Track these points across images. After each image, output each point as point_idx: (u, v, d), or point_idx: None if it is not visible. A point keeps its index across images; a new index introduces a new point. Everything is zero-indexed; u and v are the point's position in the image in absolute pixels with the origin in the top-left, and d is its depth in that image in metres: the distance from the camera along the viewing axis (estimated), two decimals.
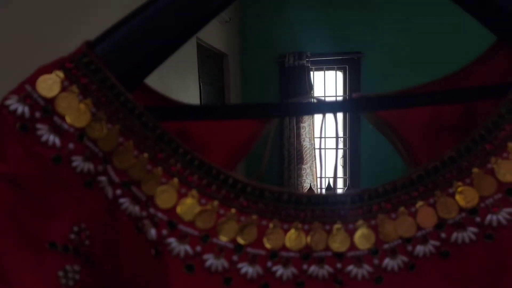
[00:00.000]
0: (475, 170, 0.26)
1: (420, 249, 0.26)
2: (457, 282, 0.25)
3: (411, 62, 2.59)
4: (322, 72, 2.90)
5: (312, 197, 0.26)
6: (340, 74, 2.92)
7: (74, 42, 0.29)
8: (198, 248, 0.25)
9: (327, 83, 2.91)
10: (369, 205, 0.26)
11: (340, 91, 2.92)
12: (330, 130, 2.74)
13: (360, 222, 0.26)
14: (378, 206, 0.26)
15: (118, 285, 0.27)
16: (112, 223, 0.26)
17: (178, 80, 1.70)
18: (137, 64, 0.28)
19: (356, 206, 0.26)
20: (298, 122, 2.78)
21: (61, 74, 0.26)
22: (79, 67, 0.26)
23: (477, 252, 0.25)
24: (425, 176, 0.26)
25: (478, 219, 0.25)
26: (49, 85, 0.26)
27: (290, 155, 2.82)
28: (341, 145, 2.92)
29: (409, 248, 0.26)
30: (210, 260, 0.25)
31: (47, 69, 0.26)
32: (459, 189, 0.26)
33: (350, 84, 2.83)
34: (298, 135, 2.79)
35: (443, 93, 0.31)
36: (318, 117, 2.71)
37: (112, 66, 0.27)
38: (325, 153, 2.96)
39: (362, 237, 0.26)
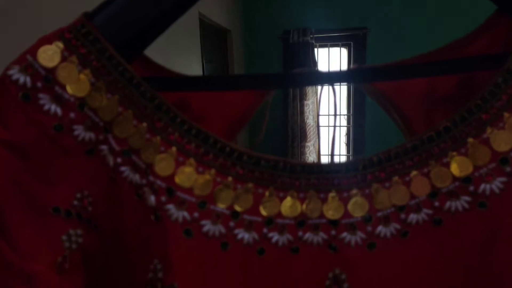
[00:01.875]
0: (470, 140, 0.26)
1: (413, 217, 0.26)
2: (450, 249, 0.26)
3: (417, 37, 2.54)
4: (327, 48, 2.85)
5: (306, 166, 0.27)
6: (344, 51, 2.87)
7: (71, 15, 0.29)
8: (196, 214, 0.26)
9: (332, 60, 2.88)
10: (363, 175, 0.27)
11: (345, 68, 2.89)
12: (333, 108, 2.72)
13: (354, 191, 0.26)
14: (372, 176, 0.27)
15: (119, 249, 0.27)
16: (113, 190, 0.27)
17: (181, 58, 1.69)
18: (135, 35, 0.28)
19: (351, 175, 0.27)
20: (302, 100, 2.76)
21: (60, 44, 0.26)
22: (78, 37, 0.27)
23: (470, 220, 0.26)
24: (419, 146, 0.26)
25: (471, 188, 0.26)
26: (49, 55, 0.26)
27: (294, 133, 2.82)
28: (344, 123, 2.91)
29: (402, 216, 0.26)
30: (208, 225, 0.26)
31: (47, 39, 0.26)
32: (454, 158, 0.26)
33: (355, 60, 2.79)
34: (302, 112, 2.78)
35: (441, 63, 0.31)
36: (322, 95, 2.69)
37: (111, 37, 0.27)
38: (328, 130, 2.95)
39: (356, 205, 0.26)
